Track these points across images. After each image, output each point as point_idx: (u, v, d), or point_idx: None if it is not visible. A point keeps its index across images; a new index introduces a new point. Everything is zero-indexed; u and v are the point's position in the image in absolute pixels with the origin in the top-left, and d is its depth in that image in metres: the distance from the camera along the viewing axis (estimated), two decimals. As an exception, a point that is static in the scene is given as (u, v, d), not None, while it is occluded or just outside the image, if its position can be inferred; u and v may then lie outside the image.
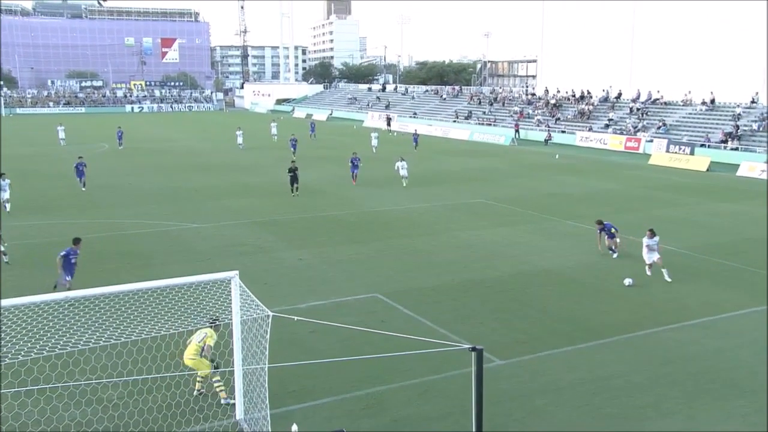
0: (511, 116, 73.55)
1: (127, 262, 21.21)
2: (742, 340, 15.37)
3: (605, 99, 69.39)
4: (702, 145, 51.82)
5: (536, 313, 16.96)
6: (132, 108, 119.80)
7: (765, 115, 53.51)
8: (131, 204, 31.53)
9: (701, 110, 60.03)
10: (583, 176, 41.75)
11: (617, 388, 12.84)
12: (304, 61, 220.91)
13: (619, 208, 30.91)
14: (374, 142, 53.58)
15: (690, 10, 64.14)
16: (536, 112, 72.60)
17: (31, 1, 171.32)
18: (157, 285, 10.99)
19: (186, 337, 12.41)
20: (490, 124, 73.47)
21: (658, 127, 58.29)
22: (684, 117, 60.36)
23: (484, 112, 78.63)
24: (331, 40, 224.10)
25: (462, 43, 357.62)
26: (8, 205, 28.35)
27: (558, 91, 76.28)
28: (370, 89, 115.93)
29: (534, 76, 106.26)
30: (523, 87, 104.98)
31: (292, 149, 49.05)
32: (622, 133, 60.32)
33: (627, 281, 18.94)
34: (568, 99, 73.56)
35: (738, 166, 45.37)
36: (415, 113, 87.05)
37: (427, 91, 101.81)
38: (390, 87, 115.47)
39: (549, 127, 66.62)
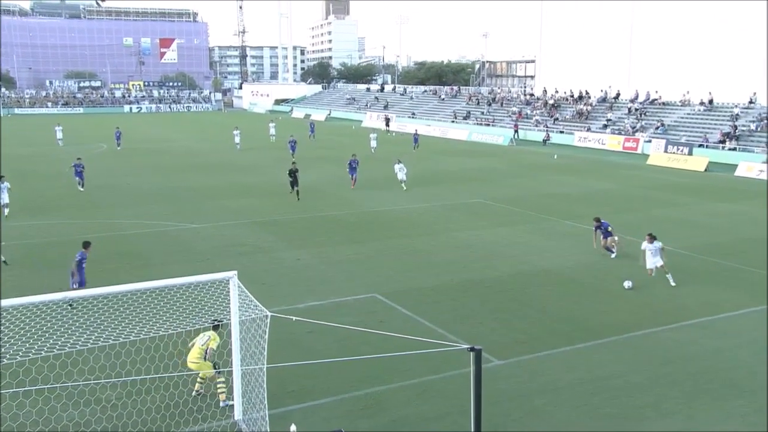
0: (510, 116, 73.59)
1: (126, 263, 21.20)
2: (741, 340, 15.39)
3: (603, 99, 69.44)
4: (700, 146, 51.87)
5: (535, 313, 16.97)
6: (130, 108, 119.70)
7: (763, 115, 53.56)
8: (130, 204, 31.51)
9: (699, 110, 60.08)
10: (581, 176, 41.78)
11: (616, 388, 12.85)
12: (302, 61, 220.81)
13: (617, 208, 30.92)
14: (373, 143, 53.60)
15: (688, 10, 64.21)
16: (534, 112, 72.63)
17: (29, 1, 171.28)
18: (155, 285, 10.99)
19: (185, 338, 12.40)
20: (488, 125, 73.50)
21: (657, 128, 58.34)
22: (682, 117, 60.42)
23: (482, 113, 78.66)
24: (330, 41, 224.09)
25: (460, 44, 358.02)
26: (7, 210, 27.99)
27: (556, 92, 76.34)
28: (368, 89, 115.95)
29: (532, 77, 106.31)
30: (521, 87, 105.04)
31: (291, 151, 48.84)
32: (620, 134, 60.37)
33: (627, 284, 18.78)
34: (567, 99, 73.61)
35: (736, 166, 45.42)
36: (413, 113, 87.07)
37: (425, 91, 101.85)
38: (388, 87, 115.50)
39: (547, 127, 66.65)
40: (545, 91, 78.70)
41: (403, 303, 17.53)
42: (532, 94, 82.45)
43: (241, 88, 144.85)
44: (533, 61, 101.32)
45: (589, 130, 63.37)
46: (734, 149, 50.36)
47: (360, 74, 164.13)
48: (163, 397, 11.75)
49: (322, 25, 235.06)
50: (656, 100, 64.50)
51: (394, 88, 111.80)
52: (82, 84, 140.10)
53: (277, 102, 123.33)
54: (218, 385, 12.05)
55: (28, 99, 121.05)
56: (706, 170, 45.69)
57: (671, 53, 66.15)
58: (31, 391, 11.17)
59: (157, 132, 75.36)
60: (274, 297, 17.12)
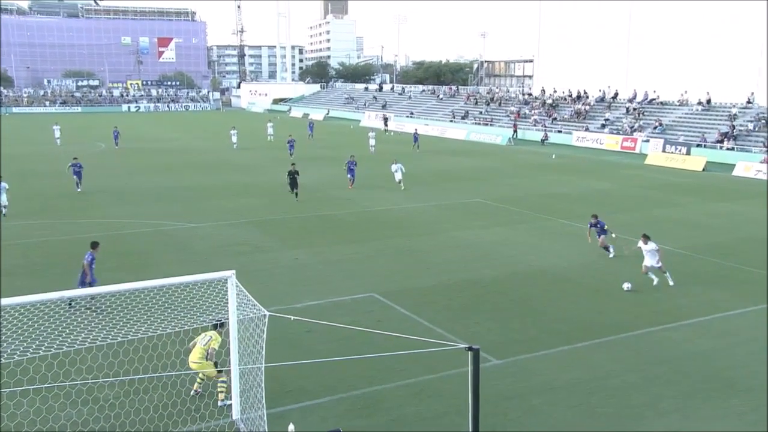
0: (508, 116, 73.63)
1: (124, 262, 21.17)
2: (738, 339, 15.42)
3: (602, 99, 69.49)
4: (698, 145, 51.94)
5: (533, 313, 16.99)
6: (128, 107, 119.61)
7: (761, 115, 53.66)
8: (127, 203, 31.49)
9: (697, 110, 60.15)
10: (579, 176, 41.81)
11: (613, 387, 12.87)
12: (301, 60, 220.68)
13: (615, 208, 30.95)
14: (372, 141, 53.61)
15: (686, 10, 64.28)
16: (533, 112, 72.68)
17: (28, 1, 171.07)
18: (153, 284, 10.98)
19: (183, 337, 12.40)
20: (486, 124, 73.54)
21: (655, 127, 58.40)
22: (680, 117, 60.48)
23: (480, 112, 78.70)
24: (328, 40, 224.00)
25: (459, 43, 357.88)
26: (5, 210, 27.98)
27: (554, 91, 76.41)
28: (366, 89, 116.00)
29: (531, 76, 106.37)
30: (519, 87, 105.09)
31: (289, 151, 48.73)
32: (618, 133, 60.42)
33: (626, 285, 18.63)
34: (565, 99, 73.66)
35: (734, 166, 45.50)
36: (411, 113, 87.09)
37: (423, 90, 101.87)
38: (387, 87, 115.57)
39: (545, 127, 66.70)
40: (543, 90, 78.76)
41: (401, 302, 17.54)
42: (530, 94, 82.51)
43: (239, 87, 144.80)
44: (531, 61, 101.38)
45: (587, 129, 63.43)
46: (732, 149, 50.44)
47: (358, 74, 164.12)
48: (161, 396, 11.75)
49: (320, 24, 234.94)
50: (654, 99, 64.56)
51: (392, 88, 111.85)
52: (80, 83, 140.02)
53: (276, 101, 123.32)
54: (219, 385, 12.05)
55: (26, 98, 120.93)
56: (704, 170, 45.76)
57: (669, 53, 66.24)
58: (29, 390, 11.17)
59: (155, 131, 75.29)
60: (272, 296, 17.12)
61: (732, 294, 18.55)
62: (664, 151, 52.15)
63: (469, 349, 8.38)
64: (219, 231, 25.85)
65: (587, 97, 71.05)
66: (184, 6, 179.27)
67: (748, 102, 57.37)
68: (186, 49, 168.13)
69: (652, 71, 67.20)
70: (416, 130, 60.55)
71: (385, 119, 79.59)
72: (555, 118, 69.29)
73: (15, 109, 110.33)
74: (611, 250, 22.01)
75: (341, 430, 10.83)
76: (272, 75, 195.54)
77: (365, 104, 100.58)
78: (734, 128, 52.92)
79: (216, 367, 12.10)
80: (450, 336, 15.12)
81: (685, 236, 25.37)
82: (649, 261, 18.96)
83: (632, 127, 60.25)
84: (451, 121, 78.14)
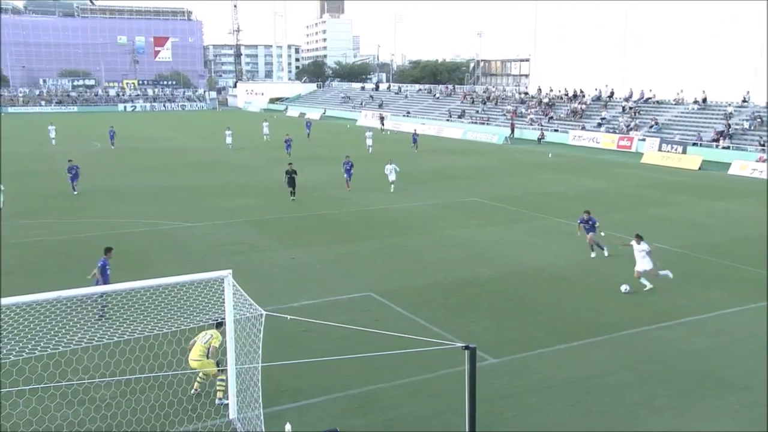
0: (504, 115, 73.67)
1: (120, 262, 21.09)
2: (733, 338, 15.47)
3: (598, 98, 69.58)
4: (694, 144, 52.05)
5: (529, 312, 17.02)
6: (125, 107, 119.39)
7: (756, 113, 53.79)
8: (124, 203, 31.44)
9: (693, 109, 60.26)
10: (575, 175, 41.87)
11: (609, 386, 12.91)
12: (297, 59, 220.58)
13: (611, 207, 31.01)
14: (369, 141, 53.28)
15: (682, 10, 64.39)
16: (529, 110, 72.74)
17: (23, 0, 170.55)
18: (150, 284, 10.98)
19: (179, 337, 12.39)
20: (483, 123, 73.58)
21: (651, 126, 58.49)
22: (676, 116, 60.59)
23: (477, 111, 78.73)
24: (325, 39, 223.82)
25: (455, 42, 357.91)
26: (1, 211, 27.87)
27: (551, 90, 76.46)
28: (363, 88, 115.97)
29: (527, 75, 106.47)
30: (516, 86, 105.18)
31: (286, 150, 48.60)
32: (614, 132, 60.50)
33: (624, 288, 18.44)
34: (561, 98, 73.71)
35: (729, 164, 45.61)
36: (408, 112, 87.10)
37: (420, 89, 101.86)
38: (383, 86, 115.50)
39: (542, 125, 66.76)
40: (540, 89, 78.81)
41: (397, 302, 17.55)
42: (526, 93, 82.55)
43: (235, 86, 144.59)
44: (528, 60, 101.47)
45: (583, 128, 63.49)
46: (728, 148, 50.55)
47: (355, 73, 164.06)
48: (157, 396, 11.74)
49: (316, 23, 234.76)
50: (650, 98, 64.65)
51: (388, 87, 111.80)
52: (76, 82, 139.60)
53: (272, 101, 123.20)
54: (218, 383, 12.05)
55: (22, 98, 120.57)
56: (699, 169, 45.86)
57: (665, 52, 66.35)
58: (25, 390, 11.15)
59: (151, 131, 75.17)
60: (269, 296, 17.11)
61: (728, 293, 18.60)
62: (660, 149, 52.26)
63: (466, 348, 8.40)
64: (215, 230, 25.83)
65: (583, 96, 71.11)
66: (180, 5, 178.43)
67: (744, 101, 57.50)
68: (182, 49, 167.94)
69: (648, 70, 67.30)
70: (415, 130, 60.35)
71: (382, 118, 79.57)
72: (551, 117, 69.35)
73: (11, 109, 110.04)
74: (605, 248, 21.93)
75: (338, 429, 10.85)
76: (269, 74, 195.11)
77: (362, 103, 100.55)
78: (730, 127, 53.04)
79: (218, 365, 12.09)
80: (447, 335, 15.14)
81: (681, 235, 25.43)
82: (641, 264, 18.52)
83: (628, 125, 60.33)
84: (448, 120, 78.15)
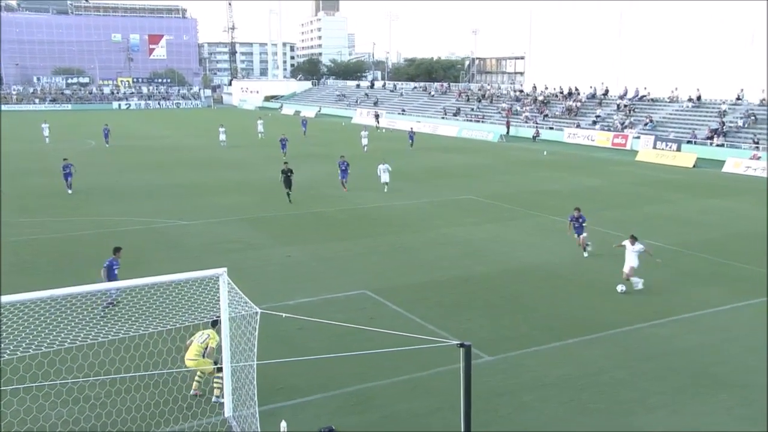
0: (500, 113, 73.73)
1: (115, 260, 21.04)
2: (728, 335, 15.53)
3: (593, 96, 69.70)
4: (688, 142, 52.19)
5: (523, 309, 17.04)
6: (119, 105, 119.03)
7: (750, 111, 53.95)
8: (118, 201, 31.35)
9: (688, 107, 60.43)
10: (570, 173, 41.93)
11: (603, 383, 12.94)
12: (292, 57, 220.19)
13: (606, 204, 31.09)
14: (364, 141, 52.75)
15: (676, 8, 64.49)
16: (524, 108, 72.81)
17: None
18: (144, 282, 10.96)
19: (174, 335, 12.37)
20: (478, 121, 73.62)
21: (645, 124, 58.62)
22: (671, 114, 60.75)
23: (472, 109, 78.77)
24: (320, 37, 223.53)
25: (450, 40, 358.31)
26: None
27: (546, 88, 76.57)
28: (358, 86, 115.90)
29: (522, 73, 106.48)
30: (511, 84, 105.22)
31: (282, 149, 48.36)
32: (609, 130, 60.62)
33: (619, 288, 18.25)
34: (556, 96, 73.83)
35: (724, 162, 45.76)
36: (403, 110, 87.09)
37: (415, 87, 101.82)
38: (378, 84, 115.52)
39: (537, 123, 66.83)
40: (535, 87, 78.91)
41: (393, 299, 17.56)
42: (521, 91, 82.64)
43: (230, 84, 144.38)
44: (523, 58, 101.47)
45: (578, 126, 63.60)
46: (722, 145, 50.70)
47: (350, 71, 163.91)
48: (152, 394, 11.72)
49: (311, 21, 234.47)
50: (645, 96, 64.80)
51: (384, 85, 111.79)
52: (70, 80, 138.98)
53: (267, 99, 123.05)
54: (215, 381, 12.03)
55: (16, 95, 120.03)
56: (694, 166, 45.99)
57: (659, 50, 66.44)
58: (19, 389, 11.11)
59: (146, 129, 74.97)
60: (264, 294, 17.09)
61: (722, 290, 18.66)
62: (654, 147, 52.39)
63: (461, 345, 8.41)
64: (210, 228, 25.79)
65: (578, 94, 71.24)
66: (174, 3, 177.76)
67: (738, 98, 57.69)
68: (177, 47, 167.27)
69: (642, 68, 67.37)
70: (411, 128, 60.27)
71: (377, 116, 79.53)
72: (546, 115, 69.43)
73: (4, 107, 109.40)
74: (587, 249, 21.83)
75: (333, 427, 10.85)
76: (263, 72, 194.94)
77: (357, 101, 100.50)
78: (724, 125, 53.20)
79: (216, 365, 12.05)
80: (442, 332, 15.15)
81: (675, 233, 25.50)
82: (629, 264, 18.20)
83: (623, 123, 60.46)
84: (443, 118, 78.17)
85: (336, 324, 14.57)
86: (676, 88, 62.33)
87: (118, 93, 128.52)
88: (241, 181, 37.52)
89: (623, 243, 18.63)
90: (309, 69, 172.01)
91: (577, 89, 71.91)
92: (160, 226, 26.21)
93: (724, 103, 57.57)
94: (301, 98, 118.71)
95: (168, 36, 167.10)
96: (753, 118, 52.79)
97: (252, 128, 65.19)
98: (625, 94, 66.27)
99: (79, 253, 21.99)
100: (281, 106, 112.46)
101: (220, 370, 11.94)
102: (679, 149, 50.87)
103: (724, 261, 21.55)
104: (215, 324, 12.10)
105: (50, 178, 36.55)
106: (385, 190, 33.70)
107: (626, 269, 18.27)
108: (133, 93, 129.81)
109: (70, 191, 33.33)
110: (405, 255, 22.13)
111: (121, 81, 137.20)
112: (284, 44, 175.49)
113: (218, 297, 11.25)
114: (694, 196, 34.31)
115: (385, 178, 33.90)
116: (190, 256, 21.63)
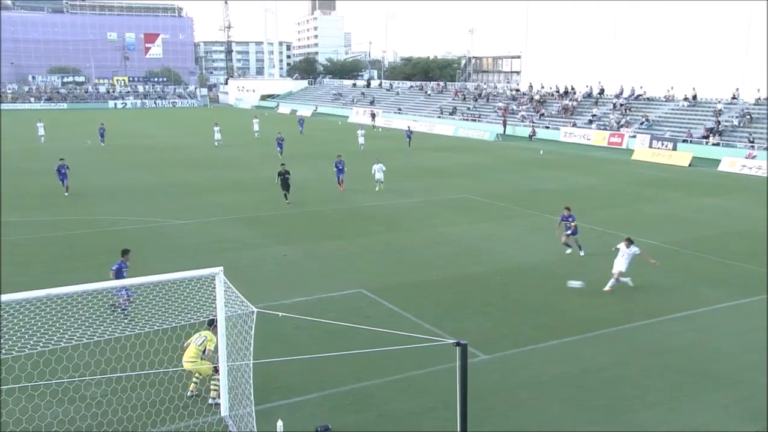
0: (496, 112, 73.78)
1: (110, 259, 20.99)
2: (724, 332, 15.56)
3: (589, 95, 69.79)
4: (684, 141, 52.31)
5: (520, 308, 17.05)
6: (115, 104, 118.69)
7: (746, 110, 54.09)
8: (114, 200, 31.27)
9: (683, 106, 60.55)
10: (567, 172, 41.98)
11: (601, 381, 12.95)
12: (288, 56, 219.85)
13: (602, 203, 31.13)
14: (361, 139, 52.76)
15: (672, 7, 64.63)
16: (520, 107, 72.86)
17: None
18: (140, 281, 10.94)
19: (170, 334, 12.33)
20: (474, 120, 73.63)
21: (641, 123, 58.73)
22: (666, 113, 60.86)
23: (468, 108, 78.79)
24: (316, 36, 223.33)
25: (447, 39, 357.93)
26: None
27: (542, 87, 76.63)
28: (354, 85, 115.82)
29: (518, 72, 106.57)
30: (507, 83, 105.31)
31: (278, 149, 48.11)
32: (605, 129, 60.70)
33: (575, 284, 17.91)
34: (552, 95, 73.90)
35: (719, 161, 45.87)
36: (400, 109, 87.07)
37: (411, 86, 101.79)
38: (375, 83, 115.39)
39: (533, 122, 66.89)
40: (531, 86, 78.97)
41: (389, 298, 17.55)
42: (518, 90, 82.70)
43: (226, 83, 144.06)
44: (519, 57, 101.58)
45: (574, 125, 63.68)
46: (717, 144, 50.83)
47: (346, 70, 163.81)
48: (148, 394, 11.70)
49: (308, 20, 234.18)
50: (641, 95, 64.92)
51: (380, 84, 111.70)
52: (65, 79, 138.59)
53: (263, 98, 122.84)
54: (212, 383, 11.99)
55: (11, 94, 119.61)
56: (690, 165, 46.09)
57: (655, 49, 66.58)
58: (14, 389, 11.08)
59: (142, 128, 74.78)
60: (260, 293, 17.07)
61: (718, 288, 18.71)
62: (650, 146, 52.49)
63: (457, 344, 8.41)
64: (207, 228, 25.75)
65: (574, 93, 71.31)
66: (170, 2, 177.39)
67: (733, 98, 57.84)
68: (173, 45, 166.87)
69: (638, 67, 67.52)
70: (409, 127, 60.13)
71: (373, 115, 79.48)
72: (542, 114, 69.50)
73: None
74: (569, 249, 21.77)
75: (330, 426, 10.85)
76: (260, 71, 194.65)
77: (353, 100, 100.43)
78: (719, 124, 53.33)
79: (214, 368, 12.00)
80: (438, 331, 15.15)
81: (671, 231, 25.55)
82: (618, 264, 18.11)
83: (619, 122, 60.55)
84: (439, 117, 78.18)
85: (332, 323, 14.58)
86: (672, 88, 62.47)
87: (114, 92, 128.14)
88: (237, 180, 37.46)
89: (618, 246, 18.50)
90: (305, 68, 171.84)
91: (573, 88, 71.99)
92: (155, 226, 26.16)
93: (719, 102, 57.71)
94: (297, 97, 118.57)
95: (164, 35, 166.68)
96: (748, 117, 52.94)
97: (248, 127, 65.10)
98: (621, 93, 66.38)
99: (75, 252, 21.94)
100: (277, 105, 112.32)
101: (217, 371, 11.91)
102: (674, 148, 50.97)
103: (720, 259, 21.60)
104: (211, 323, 12.06)
105: (45, 177, 36.41)
106: (377, 189, 33.59)
107: (614, 271, 18.19)
108: (129, 92, 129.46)
109: (66, 194, 33.06)
110: (401, 254, 22.12)
111: (117, 80, 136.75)
112: (280, 43, 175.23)
113: (214, 296, 11.22)
114: (689, 194, 34.38)
115: (379, 177, 33.92)
116: (186, 255, 21.59)
